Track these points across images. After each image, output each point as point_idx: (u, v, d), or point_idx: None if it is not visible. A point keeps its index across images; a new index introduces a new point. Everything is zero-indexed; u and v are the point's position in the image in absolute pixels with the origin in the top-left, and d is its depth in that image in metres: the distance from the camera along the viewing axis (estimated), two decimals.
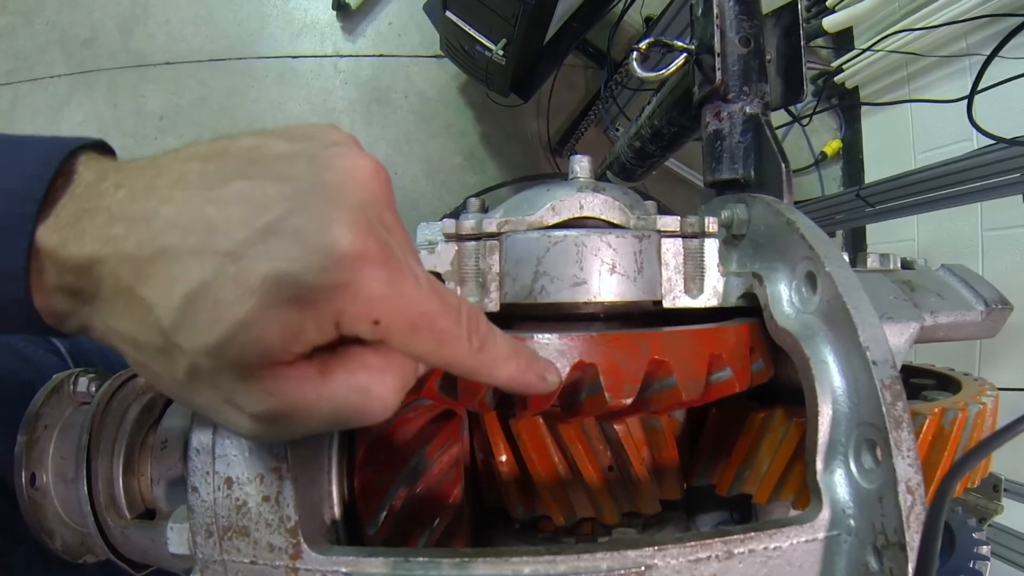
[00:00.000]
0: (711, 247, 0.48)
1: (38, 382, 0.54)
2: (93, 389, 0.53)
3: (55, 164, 0.27)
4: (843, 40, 2.25)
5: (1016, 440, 0.34)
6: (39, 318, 0.28)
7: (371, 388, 0.28)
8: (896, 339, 0.43)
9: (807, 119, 2.23)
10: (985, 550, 0.57)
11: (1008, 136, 1.16)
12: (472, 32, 1.59)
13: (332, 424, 0.28)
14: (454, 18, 1.60)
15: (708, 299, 0.47)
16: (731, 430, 0.47)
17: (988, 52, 1.24)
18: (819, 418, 0.37)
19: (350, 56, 2.28)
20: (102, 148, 0.30)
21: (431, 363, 0.30)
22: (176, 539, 0.35)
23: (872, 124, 2.29)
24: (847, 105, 2.33)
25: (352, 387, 0.27)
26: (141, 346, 0.26)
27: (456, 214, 0.47)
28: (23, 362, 0.64)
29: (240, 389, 0.26)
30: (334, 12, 2.25)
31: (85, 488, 0.47)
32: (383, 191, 0.28)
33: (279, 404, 0.26)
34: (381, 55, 2.29)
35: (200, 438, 0.35)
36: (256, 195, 0.25)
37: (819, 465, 0.36)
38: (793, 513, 0.43)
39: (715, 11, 0.64)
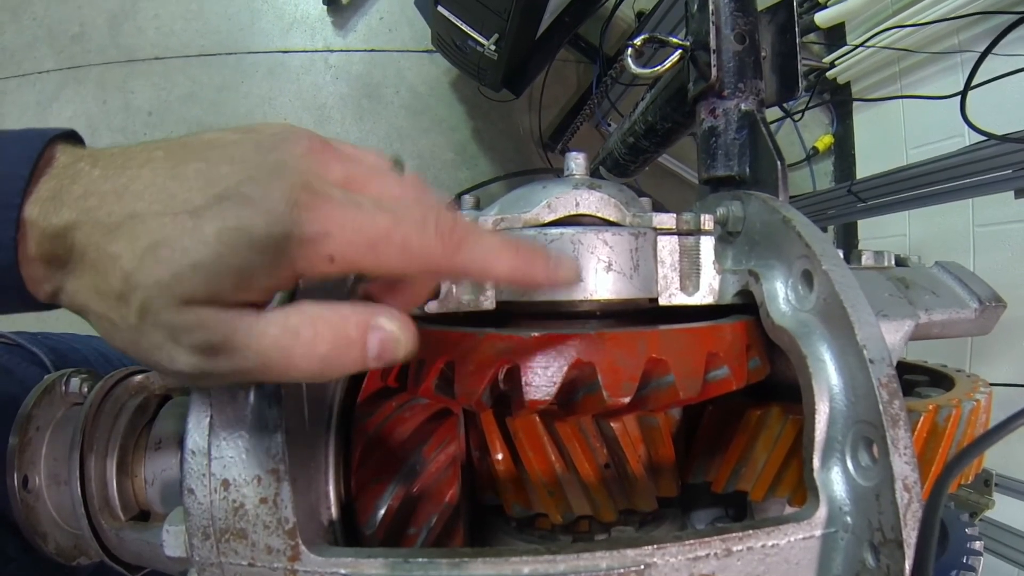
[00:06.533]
0: (707, 244, 0.48)
1: (22, 395, 0.53)
2: (85, 389, 0.52)
3: (38, 148, 0.31)
4: (835, 36, 2.25)
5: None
6: (23, 285, 0.31)
7: (300, 331, 0.29)
8: (891, 337, 0.43)
9: (799, 114, 2.23)
10: (978, 545, 0.58)
11: (999, 132, 1.16)
12: (464, 27, 1.58)
13: (262, 367, 0.30)
14: (445, 13, 1.59)
15: (704, 296, 0.47)
16: (727, 427, 0.48)
17: (979, 48, 1.24)
18: (816, 416, 0.37)
19: (341, 51, 2.27)
20: (75, 138, 0.36)
21: (412, 274, 0.32)
22: (172, 542, 0.35)
23: (864, 119, 2.30)
24: (839, 100, 2.34)
25: (282, 327, 0.29)
26: (103, 293, 0.29)
27: None
28: (5, 375, 0.63)
29: (182, 321, 0.29)
30: (324, 7, 2.23)
31: (79, 489, 0.47)
32: (323, 154, 0.31)
33: (214, 336, 0.29)
34: (372, 50, 2.28)
35: (195, 439, 0.35)
36: (211, 173, 0.29)
37: (816, 463, 0.36)
38: (789, 510, 0.44)
39: (711, 7, 0.64)
